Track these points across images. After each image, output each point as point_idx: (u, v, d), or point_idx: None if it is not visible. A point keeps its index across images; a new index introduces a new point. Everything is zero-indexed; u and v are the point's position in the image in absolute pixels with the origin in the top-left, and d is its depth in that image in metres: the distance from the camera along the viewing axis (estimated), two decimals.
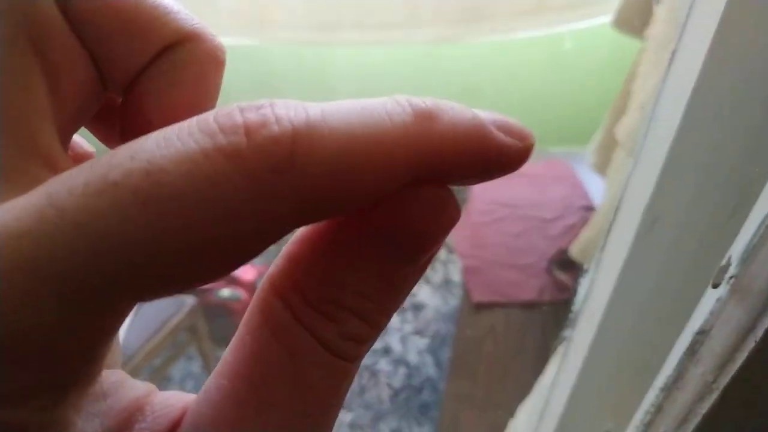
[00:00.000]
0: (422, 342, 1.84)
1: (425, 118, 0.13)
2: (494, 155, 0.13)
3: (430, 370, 1.75)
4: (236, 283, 1.70)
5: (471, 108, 0.13)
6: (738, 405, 0.23)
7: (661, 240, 0.25)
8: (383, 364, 1.76)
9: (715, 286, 0.22)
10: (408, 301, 1.97)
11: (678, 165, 0.22)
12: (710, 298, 0.24)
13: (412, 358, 1.79)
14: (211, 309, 1.67)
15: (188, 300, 1.33)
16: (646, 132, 0.23)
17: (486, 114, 0.13)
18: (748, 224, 0.21)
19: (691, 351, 0.26)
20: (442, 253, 2.16)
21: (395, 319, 1.91)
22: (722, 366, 0.23)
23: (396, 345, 1.82)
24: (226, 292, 1.67)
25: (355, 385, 1.70)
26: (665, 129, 0.21)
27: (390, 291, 0.13)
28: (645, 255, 0.25)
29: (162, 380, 1.71)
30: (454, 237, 1.64)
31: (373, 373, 1.74)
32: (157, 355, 1.29)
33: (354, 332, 0.13)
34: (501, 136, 0.13)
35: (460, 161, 0.13)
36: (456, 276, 2.07)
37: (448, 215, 0.13)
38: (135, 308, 1.01)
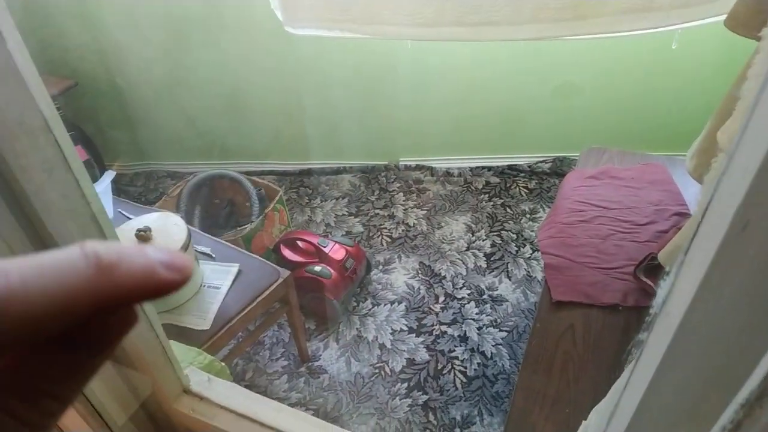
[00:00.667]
0: (499, 334, 1.87)
1: (105, 269, 0.17)
2: (159, 289, 0.18)
3: (506, 362, 1.78)
4: (328, 261, 1.82)
5: (145, 250, 0.18)
6: None
7: (750, 245, 0.24)
8: (459, 352, 1.81)
9: None
10: (488, 294, 2.00)
11: None
12: None
13: (488, 348, 1.82)
14: (304, 282, 1.80)
15: (283, 273, 1.45)
16: (743, 130, 0.23)
17: (158, 255, 0.18)
18: None
19: None
20: (526, 251, 2.17)
21: (473, 310, 1.95)
22: None
23: (473, 335, 1.87)
24: (318, 268, 1.79)
25: (431, 368, 1.77)
26: (764, 128, 0.21)
27: (76, 379, 0.18)
28: (732, 260, 0.25)
29: (255, 344, 1.87)
30: (539, 234, 1.65)
31: (449, 360, 1.79)
32: (252, 320, 1.42)
33: (46, 409, 0.18)
34: (165, 274, 0.18)
35: (133, 295, 0.17)
36: (538, 273, 2.07)
37: (123, 326, 0.18)
38: (235, 274, 1.13)
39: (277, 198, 2.00)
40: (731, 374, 0.26)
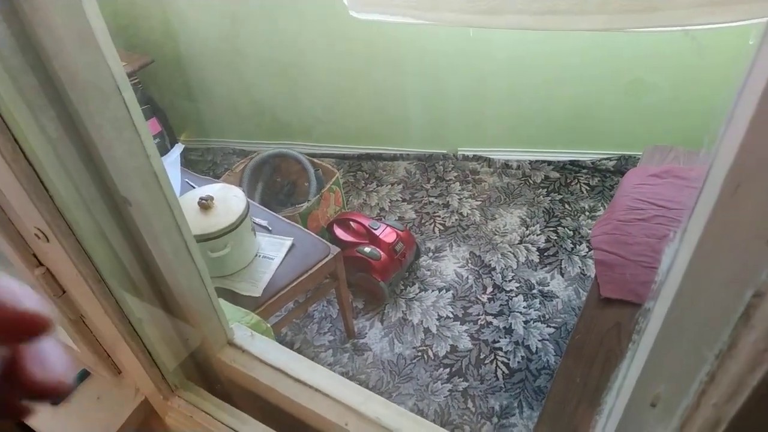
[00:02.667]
0: (547, 330, 1.85)
1: None
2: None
3: (551, 358, 1.77)
4: (378, 242, 1.86)
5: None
6: None
7: (742, 206, 0.24)
8: (503, 344, 1.81)
9: None
10: (538, 289, 1.99)
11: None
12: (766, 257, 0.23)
13: (534, 343, 1.81)
14: (354, 261, 1.85)
15: (333, 249, 1.51)
16: (740, 93, 0.23)
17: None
18: None
19: (746, 316, 0.25)
20: (582, 248, 2.12)
21: (521, 303, 1.94)
22: None
23: (519, 328, 1.86)
24: (367, 249, 1.84)
25: (473, 357, 1.78)
26: (757, 90, 0.22)
27: None
28: (725, 222, 0.25)
29: (304, 317, 1.94)
30: (594, 230, 1.62)
31: (493, 350, 1.80)
32: (302, 292, 1.49)
33: None
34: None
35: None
36: (593, 272, 2.03)
37: None
38: (288, 247, 1.19)
39: (333, 179, 2.06)
40: (713, 331, 0.27)
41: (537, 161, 2.55)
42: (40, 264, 0.64)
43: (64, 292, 0.66)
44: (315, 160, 2.15)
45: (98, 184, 0.59)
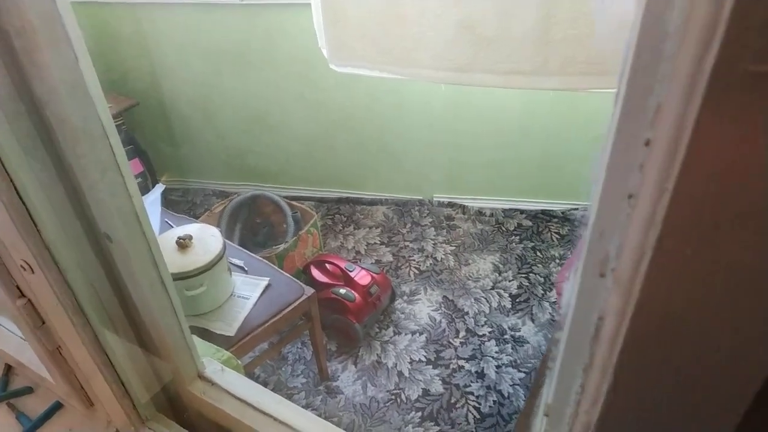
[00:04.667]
0: (518, 375, 1.88)
1: None
2: None
3: (522, 403, 1.79)
4: (353, 285, 1.89)
5: None
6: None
7: (593, 248, 0.30)
8: (475, 388, 1.84)
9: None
10: (510, 334, 2.03)
11: None
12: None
13: (505, 388, 1.84)
14: (329, 303, 1.88)
15: (308, 290, 1.54)
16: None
17: None
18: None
19: (596, 335, 0.31)
20: (552, 295, 2.18)
21: (493, 348, 1.98)
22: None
23: (491, 372, 1.89)
24: (343, 290, 1.87)
25: (444, 400, 1.80)
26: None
27: None
28: (584, 261, 0.31)
29: (278, 358, 1.95)
30: (558, 276, 1.69)
31: (464, 394, 1.82)
32: (275, 333, 1.51)
33: None
34: None
35: None
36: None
37: None
38: (264, 287, 1.24)
39: (311, 222, 2.11)
40: (581, 349, 0.33)
41: (510, 209, 2.63)
42: (22, 295, 0.67)
43: (43, 323, 0.69)
44: (293, 203, 2.20)
45: (82, 220, 0.63)
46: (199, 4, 2.27)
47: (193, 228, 1.39)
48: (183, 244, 1.31)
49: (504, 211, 2.64)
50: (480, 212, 2.64)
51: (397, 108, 2.43)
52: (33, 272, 0.58)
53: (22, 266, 0.58)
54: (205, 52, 2.42)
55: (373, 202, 2.73)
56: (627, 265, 0.25)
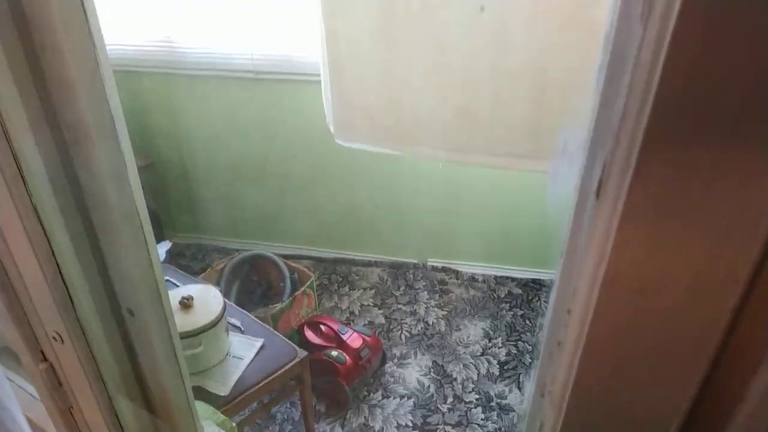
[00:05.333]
0: None
1: None
2: None
3: None
4: (345, 347, 1.94)
5: None
6: None
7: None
8: None
9: None
10: (496, 402, 2.06)
11: None
12: None
13: None
14: (320, 364, 1.92)
15: (301, 353, 1.59)
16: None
17: None
18: None
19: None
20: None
21: (480, 415, 2.01)
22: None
23: None
24: (334, 353, 1.92)
25: None
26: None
27: None
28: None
29: (267, 417, 1.97)
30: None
31: None
32: (267, 393, 1.55)
33: None
34: None
35: None
36: None
37: None
38: (258, 348, 1.30)
39: (308, 283, 2.18)
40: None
41: (502, 277, 2.71)
42: (45, 359, 0.74)
43: (60, 384, 0.75)
44: (291, 263, 2.27)
45: (110, 297, 0.71)
46: (218, 76, 2.43)
47: (195, 288, 1.46)
48: (186, 304, 1.37)
49: (496, 278, 2.71)
50: (473, 278, 2.72)
51: (396, 175, 2.55)
52: (63, 342, 0.65)
53: (53, 337, 0.65)
54: (221, 119, 2.56)
55: (368, 264, 2.81)
56: (558, 391, 0.33)
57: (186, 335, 1.35)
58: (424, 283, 2.69)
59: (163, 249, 1.83)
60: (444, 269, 2.76)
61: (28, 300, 0.67)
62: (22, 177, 0.62)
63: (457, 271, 2.74)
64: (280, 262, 2.21)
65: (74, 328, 0.64)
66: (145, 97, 2.59)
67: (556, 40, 1.42)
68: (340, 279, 2.72)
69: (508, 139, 1.61)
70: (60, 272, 0.62)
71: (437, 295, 2.62)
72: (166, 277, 1.78)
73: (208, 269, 2.22)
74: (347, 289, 2.65)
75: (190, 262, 2.84)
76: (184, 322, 1.36)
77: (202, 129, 2.62)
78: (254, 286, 2.31)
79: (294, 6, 2.21)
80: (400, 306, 2.55)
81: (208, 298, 1.44)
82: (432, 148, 1.69)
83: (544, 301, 2.57)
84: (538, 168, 1.64)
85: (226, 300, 1.53)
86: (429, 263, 2.78)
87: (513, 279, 2.70)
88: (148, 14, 2.37)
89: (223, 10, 2.27)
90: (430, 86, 1.61)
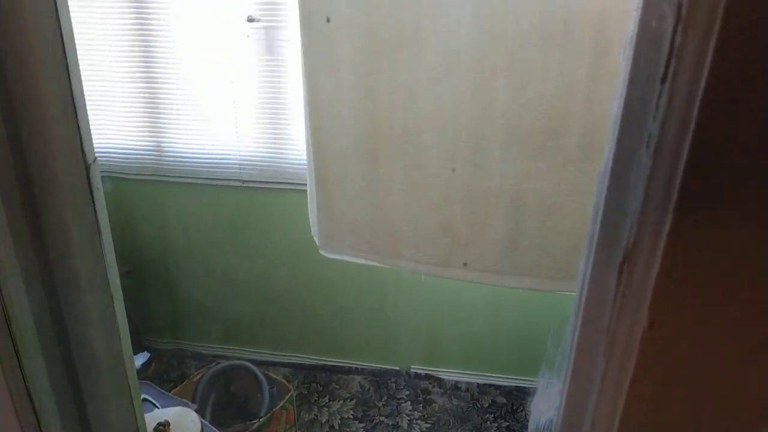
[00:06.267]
0: None
1: None
2: None
3: None
4: None
5: None
6: None
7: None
8: None
9: None
10: None
11: None
12: None
13: None
14: None
15: None
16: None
17: None
18: None
19: None
20: None
21: None
22: None
23: None
24: None
25: None
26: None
27: None
28: None
29: None
30: None
31: None
32: None
33: None
34: None
35: None
36: None
37: None
38: None
39: (287, 397, 2.11)
40: None
41: (485, 384, 2.66)
42: None
43: None
44: (271, 374, 2.22)
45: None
46: (205, 184, 2.49)
47: (172, 412, 1.41)
48: (161, 430, 1.32)
49: (479, 386, 2.66)
50: (456, 386, 2.66)
51: (379, 281, 2.57)
52: None
53: None
54: (205, 225, 2.59)
55: (349, 371, 2.75)
56: None
57: None
58: (407, 392, 2.63)
59: (139, 362, 1.78)
60: (427, 376, 2.71)
61: None
62: (8, 321, 0.62)
63: (440, 379, 2.69)
64: (260, 374, 2.16)
65: None
66: (131, 202, 2.62)
67: (530, 165, 1.51)
68: (320, 388, 2.64)
69: (486, 256, 1.66)
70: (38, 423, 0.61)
71: (420, 406, 2.55)
72: (144, 396, 1.72)
73: (185, 381, 2.15)
74: (327, 400, 2.57)
75: (166, 369, 2.75)
76: None
77: (186, 235, 2.64)
78: (231, 397, 2.23)
79: (283, 115, 2.33)
80: (382, 418, 2.47)
81: (184, 423, 1.38)
82: (414, 262, 1.73)
83: (529, 411, 2.52)
84: (515, 285, 1.68)
85: (203, 421, 1.48)
86: (412, 370, 2.73)
87: (497, 387, 2.65)
88: (140, 121, 2.46)
89: (213, 118, 2.38)
90: (411, 203, 1.68)
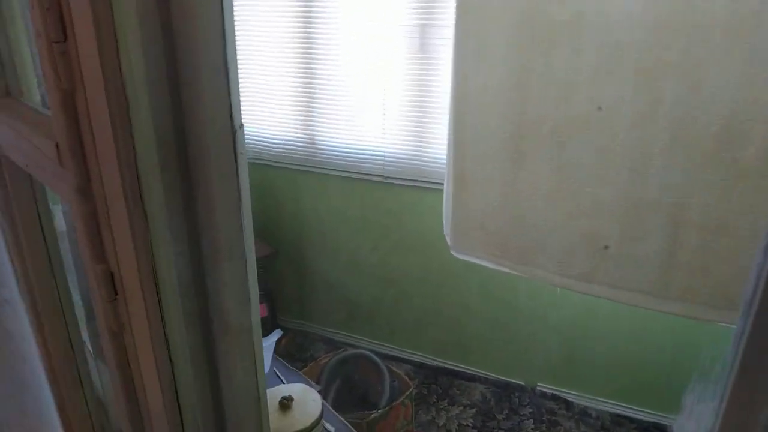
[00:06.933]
0: None
1: None
2: None
3: None
4: None
5: None
6: None
7: None
8: None
9: None
10: None
11: None
12: None
13: None
14: None
15: None
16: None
17: None
18: None
19: None
20: None
21: None
22: None
23: None
24: None
25: None
26: None
27: None
28: None
29: None
30: None
31: None
32: None
33: None
34: None
35: None
36: None
37: None
38: None
39: (407, 393, 2.11)
40: None
41: (619, 415, 2.43)
42: None
43: None
44: (393, 368, 2.23)
45: (216, 408, 0.73)
46: (349, 177, 2.58)
47: (297, 388, 1.47)
48: (285, 405, 1.38)
49: (612, 415, 2.44)
50: (585, 412, 2.47)
51: (511, 290, 2.46)
52: None
53: None
54: (347, 217, 2.69)
55: (472, 378, 2.67)
56: None
57: None
58: (530, 410, 2.49)
59: (273, 339, 1.88)
60: (554, 397, 2.55)
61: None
62: (156, 285, 0.67)
63: (569, 402, 2.51)
64: (383, 366, 2.18)
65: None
66: (277, 189, 2.80)
67: (696, 177, 1.33)
68: (440, 391, 2.60)
69: (636, 274, 1.50)
70: (176, 391, 0.65)
71: (544, 426, 2.40)
72: (274, 368, 1.82)
73: (312, 363, 2.25)
74: (446, 404, 2.52)
75: (296, 351, 2.90)
76: (281, 423, 1.36)
77: (325, 224, 2.76)
78: (353, 385, 2.28)
79: (430, 114, 2.33)
80: None
81: (307, 401, 1.43)
82: (550, 272, 1.62)
83: None
84: (666, 309, 1.50)
85: (325, 402, 1.52)
86: (538, 388, 2.59)
87: (632, 420, 2.41)
88: (294, 114, 2.62)
89: (363, 114, 2.45)
90: (554, 209, 1.57)
